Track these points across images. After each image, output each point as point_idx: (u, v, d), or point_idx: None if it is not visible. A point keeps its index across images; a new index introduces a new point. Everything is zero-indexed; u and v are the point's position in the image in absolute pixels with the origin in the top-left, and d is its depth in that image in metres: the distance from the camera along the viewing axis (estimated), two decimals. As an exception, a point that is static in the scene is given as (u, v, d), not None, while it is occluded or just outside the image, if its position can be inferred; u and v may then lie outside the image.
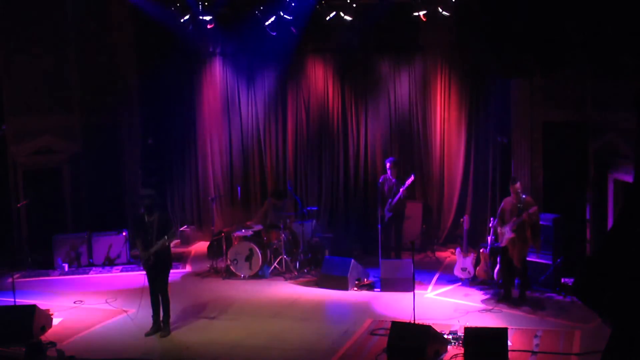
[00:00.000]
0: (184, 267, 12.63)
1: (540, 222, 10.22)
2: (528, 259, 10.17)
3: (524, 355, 8.01)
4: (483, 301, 10.06)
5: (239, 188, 13.68)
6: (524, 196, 9.89)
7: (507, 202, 10.03)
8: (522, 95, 11.95)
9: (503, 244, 9.92)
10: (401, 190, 11.81)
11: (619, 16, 9.65)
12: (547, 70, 11.34)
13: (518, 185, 9.96)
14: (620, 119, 9.97)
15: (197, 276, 12.05)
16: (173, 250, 9.33)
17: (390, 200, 11.80)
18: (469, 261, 11.08)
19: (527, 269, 10.06)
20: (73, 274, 12.25)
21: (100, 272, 12.35)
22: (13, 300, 9.61)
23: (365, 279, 11.24)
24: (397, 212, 11.93)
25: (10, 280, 10.00)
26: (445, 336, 8.37)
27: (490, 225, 10.50)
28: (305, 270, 11.95)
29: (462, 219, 12.24)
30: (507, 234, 9.81)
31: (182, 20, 12.83)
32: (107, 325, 9.55)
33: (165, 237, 8.98)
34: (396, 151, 13.64)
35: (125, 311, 9.98)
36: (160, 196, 10.21)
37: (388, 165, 12.09)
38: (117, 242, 12.84)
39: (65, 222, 13.38)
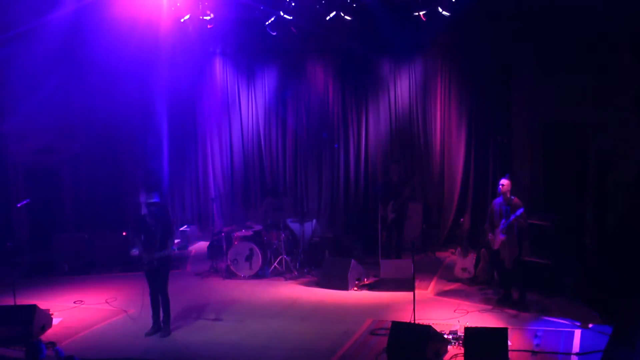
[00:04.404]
0: (184, 267, 12.64)
1: (538, 223, 10.20)
2: (527, 259, 10.16)
3: (524, 355, 8.01)
4: (483, 301, 10.05)
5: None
6: (512, 197, 9.75)
7: (495, 203, 9.92)
8: (522, 95, 11.95)
9: (496, 247, 9.86)
10: (404, 191, 11.86)
11: (619, 16, 9.67)
12: (547, 70, 11.36)
13: (503, 181, 9.76)
14: (620, 119, 9.97)
15: (197, 276, 12.05)
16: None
17: (392, 201, 11.81)
18: (469, 261, 11.08)
19: (524, 268, 10.02)
20: (73, 274, 12.25)
21: (100, 272, 12.35)
22: (13, 300, 9.61)
23: (365, 279, 11.24)
24: (400, 213, 11.93)
25: (10, 280, 9.98)
26: (445, 336, 8.36)
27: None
28: (305, 270, 11.95)
29: (462, 219, 12.25)
30: (498, 236, 9.75)
31: (182, 20, 12.83)
32: (107, 325, 9.56)
33: (169, 249, 9.08)
34: (396, 151, 13.65)
35: (125, 311, 9.99)
36: (165, 200, 10.21)
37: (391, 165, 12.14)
38: (117, 242, 12.84)
39: (65, 222, 13.39)
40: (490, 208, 10.04)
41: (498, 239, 9.74)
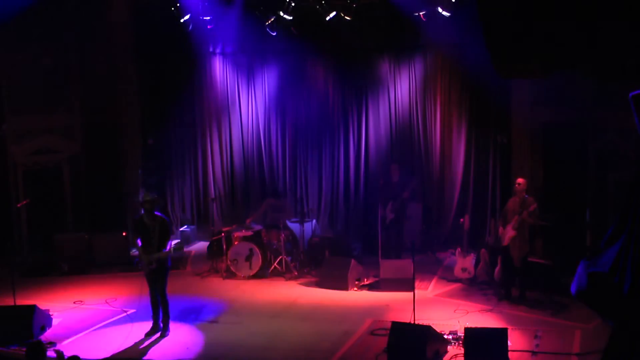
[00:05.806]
0: (184, 267, 12.63)
1: (540, 222, 10.20)
2: (528, 259, 10.16)
3: (524, 355, 8.01)
4: (483, 301, 10.06)
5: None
6: (527, 196, 9.89)
7: (511, 201, 10.06)
8: (522, 96, 11.94)
9: (505, 243, 9.92)
10: (405, 192, 11.86)
11: (619, 16, 9.66)
12: (547, 70, 11.33)
13: (520, 180, 9.94)
14: (620, 119, 9.97)
15: (197, 276, 12.04)
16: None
17: (392, 201, 11.80)
18: (469, 261, 11.08)
19: (527, 268, 10.05)
20: (73, 274, 12.24)
21: (100, 272, 12.33)
22: (13, 300, 9.61)
23: (365, 279, 11.24)
24: (399, 213, 11.92)
25: (10, 280, 9.98)
26: (445, 336, 8.37)
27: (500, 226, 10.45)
28: (305, 270, 11.94)
29: (462, 219, 12.24)
30: (508, 232, 9.83)
31: (182, 20, 12.84)
32: (107, 325, 9.55)
33: (169, 249, 9.09)
34: (396, 151, 13.64)
35: (125, 311, 9.99)
36: (162, 199, 10.17)
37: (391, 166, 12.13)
38: (117, 242, 12.83)
39: (65, 222, 13.37)
40: (506, 205, 10.15)
41: (508, 234, 9.79)
